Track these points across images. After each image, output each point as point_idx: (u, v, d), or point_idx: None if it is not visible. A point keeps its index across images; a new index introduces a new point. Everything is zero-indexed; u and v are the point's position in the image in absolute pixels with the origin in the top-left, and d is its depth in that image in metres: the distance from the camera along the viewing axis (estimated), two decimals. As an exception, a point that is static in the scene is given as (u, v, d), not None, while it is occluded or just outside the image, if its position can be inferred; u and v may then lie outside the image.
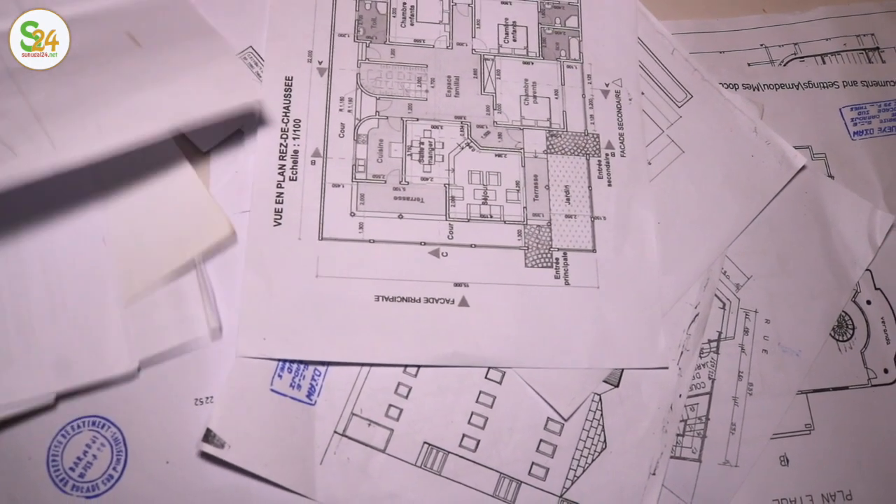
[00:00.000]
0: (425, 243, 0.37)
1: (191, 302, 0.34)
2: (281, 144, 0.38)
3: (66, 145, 0.32)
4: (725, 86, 0.44)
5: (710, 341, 0.38)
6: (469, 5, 0.43)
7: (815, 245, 0.41)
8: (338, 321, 0.35)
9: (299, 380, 0.34)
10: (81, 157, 0.32)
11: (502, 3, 0.43)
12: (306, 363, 0.34)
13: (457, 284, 0.37)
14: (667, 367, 0.37)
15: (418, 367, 0.35)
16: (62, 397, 0.32)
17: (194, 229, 0.35)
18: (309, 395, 0.34)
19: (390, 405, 0.35)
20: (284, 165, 0.37)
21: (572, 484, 0.35)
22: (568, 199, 0.39)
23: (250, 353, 0.34)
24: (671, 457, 0.36)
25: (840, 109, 0.45)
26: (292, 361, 0.34)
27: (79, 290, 0.33)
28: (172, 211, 0.35)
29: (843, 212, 0.42)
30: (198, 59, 0.37)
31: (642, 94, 0.43)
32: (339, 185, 0.37)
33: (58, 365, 0.32)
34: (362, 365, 0.35)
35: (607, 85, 0.42)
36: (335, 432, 0.34)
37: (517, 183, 0.39)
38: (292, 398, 0.34)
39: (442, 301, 0.36)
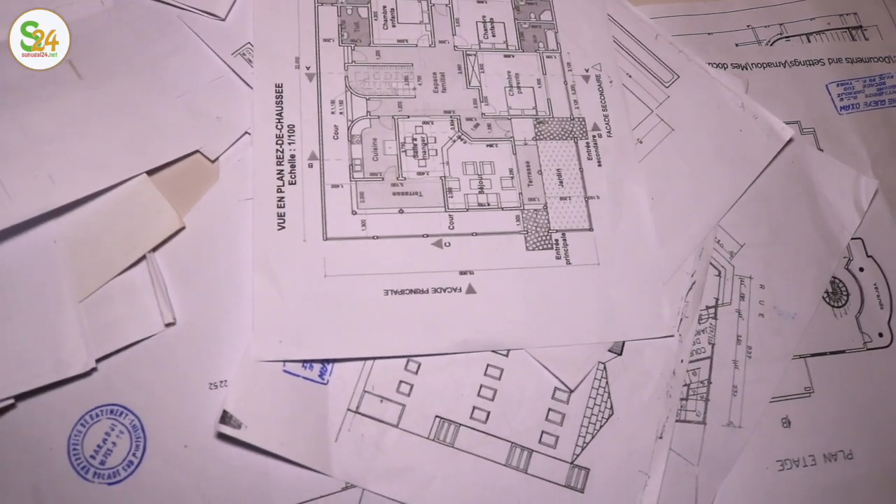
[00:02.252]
0: (428, 235, 0.38)
1: (144, 298, 0.35)
2: (277, 150, 0.38)
3: (22, 198, 0.34)
4: (714, 66, 0.45)
5: (707, 308, 0.39)
6: (447, 5, 0.44)
7: (804, 212, 0.42)
8: (350, 318, 0.36)
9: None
10: (37, 209, 0.34)
11: (478, 1, 0.45)
12: (324, 361, 0.35)
13: (462, 273, 0.38)
14: (672, 336, 0.38)
15: (433, 356, 0.36)
16: (22, 397, 0.33)
17: (144, 224, 0.36)
18: (321, 375, 0.35)
19: (401, 381, 0.35)
20: (283, 170, 0.38)
21: (582, 450, 0.36)
22: (561, 182, 0.41)
23: (267, 357, 0.34)
24: (676, 420, 0.37)
25: (826, 86, 0.47)
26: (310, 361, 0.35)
27: (32, 292, 0.34)
28: (121, 207, 0.36)
29: (829, 179, 0.43)
30: (138, 98, 0.38)
31: (629, 76, 0.44)
32: (338, 186, 0.38)
33: (15, 367, 0.33)
34: (377, 359, 0.36)
35: (587, 70, 0.44)
36: (348, 409, 0.35)
37: (510, 170, 0.40)
38: (305, 378, 0.35)
39: (449, 290, 0.37)
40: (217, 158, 0.38)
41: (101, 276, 0.35)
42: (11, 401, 0.33)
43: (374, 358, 0.36)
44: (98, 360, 0.34)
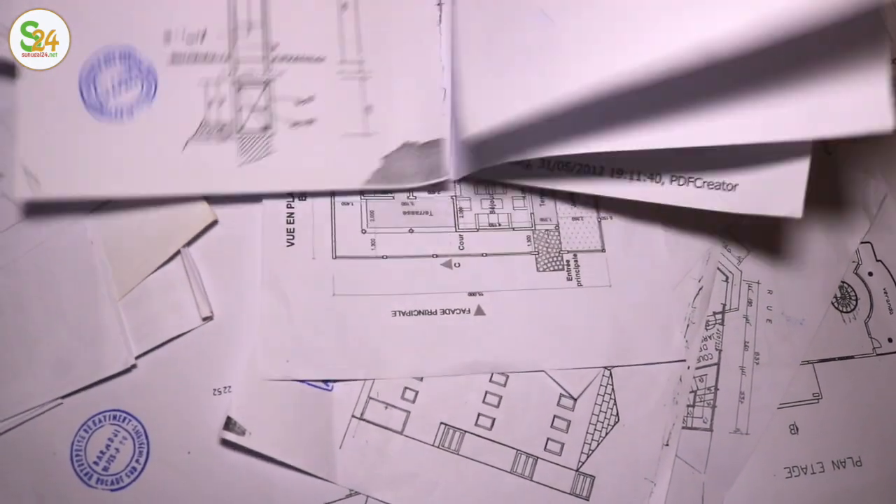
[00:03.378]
0: (437, 255, 0.38)
1: (181, 292, 0.35)
2: None
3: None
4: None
5: (715, 313, 0.39)
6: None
7: (812, 216, 0.42)
8: (357, 338, 0.35)
9: (315, 366, 0.35)
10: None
11: None
12: (329, 382, 0.35)
13: (471, 294, 0.37)
14: (682, 361, 0.37)
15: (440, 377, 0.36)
16: (68, 396, 0.33)
17: (177, 220, 0.36)
18: (326, 381, 0.35)
19: (406, 388, 0.35)
20: (293, 186, 0.38)
21: (588, 458, 0.35)
22: (573, 202, 0.40)
23: (274, 376, 0.34)
24: (683, 427, 0.37)
25: (834, 87, 0.46)
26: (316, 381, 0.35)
27: (73, 294, 0.34)
28: (154, 204, 0.36)
29: (837, 184, 0.43)
30: None
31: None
32: (348, 203, 0.38)
33: (60, 369, 0.33)
34: (385, 380, 0.35)
35: None
36: (353, 416, 0.34)
37: (522, 190, 0.40)
38: (310, 384, 0.34)
39: (458, 311, 0.37)
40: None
41: (138, 274, 0.35)
42: (60, 402, 0.33)
43: (383, 379, 0.35)
44: (137, 357, 0.34)
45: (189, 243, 0.36)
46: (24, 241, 0.35)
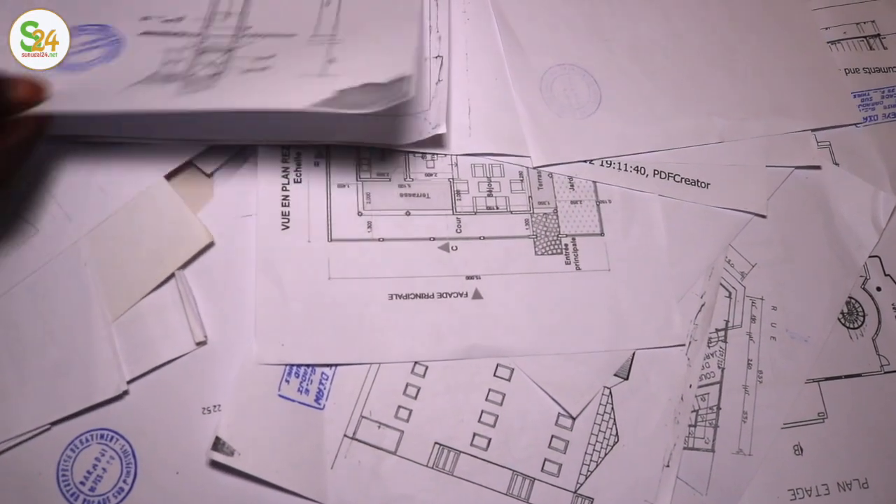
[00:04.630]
0: (434, 238, 0.37)
1: (174, 316, 0.34)
2: (283, 148, 0.38)
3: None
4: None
5: (717, 330, 0.38)
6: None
7: (819, 230, 0.41)
8: (354, 323, 0.35)
9: (307, 384, 0.34)
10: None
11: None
12: (324, 366, 0.34)
13: (469, 277, 0.37)
14: (683, 345, 0.37)
15: (437, 361, 0.35)
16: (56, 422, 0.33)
17: (173, 242, 0.35)
18: (317, 400, 0.34)
19: (399, 406, 0.34)
20: (288, 168, 0.37)
21: (586, 479, 0.35)
22: (572, 186, 0.40)
23: (269, 360, 0.34)
24: (684, 448, 0.36)
25: (844, 97, 0.45)
26: (308, 366, 0.34)
27: (67, 317, 0.34)
28: (150, 226, 0.35)
29: (845, 196, 0.42)
30: None
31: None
32: (344, 185, 0.37)
33: (51, 394, 0.32)
34: (382, 364, 0.35)
35: None
36: (345, 436, 0.34)
37: (520, 173, 0.39)
38: (300, 403, 0.34)
39: (455, 295, 0.36)
40: (213, 173, 0.37)
41: (131, 296, 0.34)
42: (48, 427, 0.32)
43: (378, 363, 0.35)
44: (129, 382, 0.33)
45: (184, 266, 0.35)
46: (20, 264, 0.34)
